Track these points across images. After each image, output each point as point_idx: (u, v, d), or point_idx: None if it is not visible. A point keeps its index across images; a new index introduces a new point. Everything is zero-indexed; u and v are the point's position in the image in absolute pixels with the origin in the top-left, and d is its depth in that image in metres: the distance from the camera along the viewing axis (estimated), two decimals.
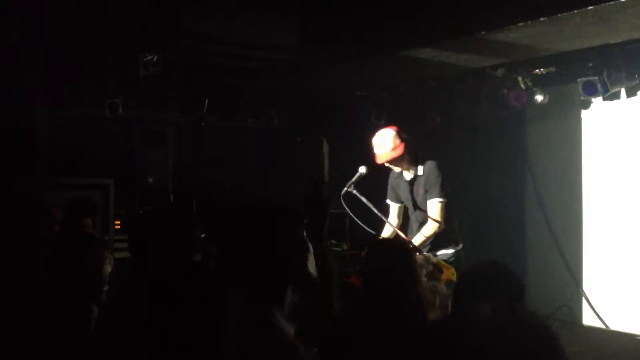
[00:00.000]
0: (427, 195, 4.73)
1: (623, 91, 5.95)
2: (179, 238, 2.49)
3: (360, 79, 6.98)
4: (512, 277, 2.15)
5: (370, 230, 4.70)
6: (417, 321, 2.45)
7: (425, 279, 4.27)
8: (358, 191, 4.57)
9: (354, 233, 4.80)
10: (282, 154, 7.85)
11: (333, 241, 6.81)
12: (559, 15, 4.42)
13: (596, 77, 5.75)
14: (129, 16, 4.89)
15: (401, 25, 5.17)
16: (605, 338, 6.53)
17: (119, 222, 6.89)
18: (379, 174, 4.94)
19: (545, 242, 7.30)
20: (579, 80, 5.89)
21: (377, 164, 4.79)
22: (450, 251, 4.79)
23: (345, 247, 7.12)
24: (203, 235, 2.60)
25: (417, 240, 4.67)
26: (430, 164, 4.75)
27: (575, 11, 4.32)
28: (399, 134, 4.70)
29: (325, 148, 7.63)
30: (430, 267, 4.36)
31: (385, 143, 4.69)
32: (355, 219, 4.58)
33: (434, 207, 4.70)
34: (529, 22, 4.59)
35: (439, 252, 4.72)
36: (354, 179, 4.59)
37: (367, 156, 4.88)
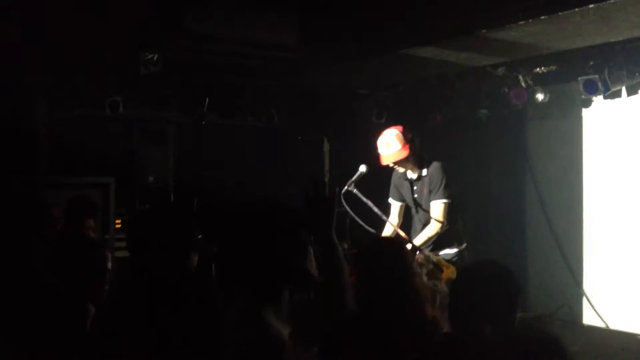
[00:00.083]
0: (431, 195, 4.75)
1: (624, 90, 5.95)
2: (178, 237, 2.49)
3: (360, 78, 6.98)
4: (511, 277, 2.14)
5: (370, 229, 4.70)
6: (416, 318, 2.45)
7: (425, 277, 4.28)
8: (358, 190, 4.57)
9: (355, 232, 4.80)
10: (282, 153, 7.85)
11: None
12: (559, 13, 4.42)
13: (597, 76, 5.75)
14: (129, 16, 4.89)
15: (401, 24, 5.17)
16: (606, 337, 6.53)
17: (119, 221, 6.88)
18: (380, 173, 4.94)
19: (546, 241, 7.30)
20: (579, 78, 5.89)
21: (381, 164, 4.80)
22: (454, 250, 4.80)
23: (345, 246, 7.12)
24: (200, 236, 2.59)
25: (419, 240, 4.68)
26: (435, 164, 4.76)
27: (576, 9, 4.32)
28: (404, 134, 4.70)
29: (326, 147, 7.63)
30: (431, 266, 4.37)
31: (391, 144, 4.70)
32: (356, 217, 4.58)
33: (438, 207, 4.71)
34: (530, 20, 4.59)
35: (443, 252, 4.74)
36: (354, 177, 4.59)
37: (368, 155, 4.88)
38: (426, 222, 4.80)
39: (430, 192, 4.76)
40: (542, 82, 6.53)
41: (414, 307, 2.51)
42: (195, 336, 1.69)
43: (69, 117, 6.43)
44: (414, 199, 4.90)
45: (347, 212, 4.57)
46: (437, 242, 4.76)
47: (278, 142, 7.87)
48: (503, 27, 4.79)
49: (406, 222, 5.06)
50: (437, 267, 4.36)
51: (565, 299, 7.09)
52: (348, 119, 7.74)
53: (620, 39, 5.23)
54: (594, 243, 6.99)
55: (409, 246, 4.51)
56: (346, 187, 4.55)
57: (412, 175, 4.87)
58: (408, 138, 4.70)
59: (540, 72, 6.43)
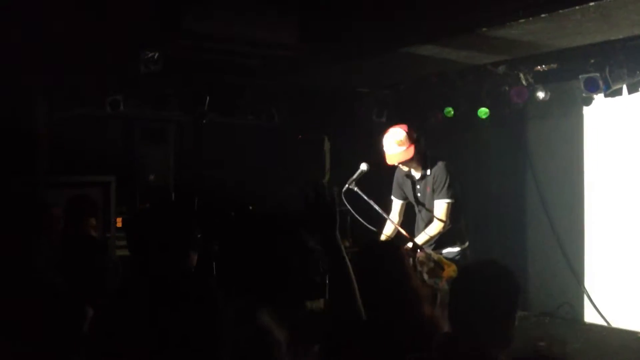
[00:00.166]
0: (435, 195, 4.75)
1: (625, 88, 5.94)
2: (178, 237, 2.49)
3: (361, 76, 6.98)
4: (511, 277, 2.14)
5: (371, 227, 4.70)
6: (415, 319, 2.45)
7: (426, 276, 4.28)
8: (359, 188, 4.58)
9: (356, 230, 4.80)
10: (282, 152, 7.84)
11: None
12: (560, 11, 4.41)
13: (598, 74, 5.74)
14: (129, 16, 4.89)
15: (401, 23, 5.16)
16: (607, 335, 6.53)
17: (120, 220, 6.89)
18: (380, 171, 4.94)
19: (547, 239, 7.30)
20: (580, 76, 5.88)
21: (387, 164, 4.80)
22: (457, 249, 4.82)
23: (347, 244, 7.12)
24: (200, 235, 2.59)
25: (420, 238, 4.69)
26: (440, 164, 4.76)
27: (577, 7, 4.31)
28: (410, 134, 4.70)
29: (326, 146, 7.62)
30: (432, 265, 4.37)
31: (397, 144, 4.70)
32: (357, 216, 4.58)
33: (441, 207, 4.72)
34: (530, 18, 4.58)
35: (445, 250, 4.75)
36: (355, 176, 4.59)
37: (368, 153, 4.88)
38: (429, 221, 4.80)
39: (433, 191, 4.77)
40: (542, 80, 6.52)
41: (413, 308, 2.52)
42: (194, 335, 1.70)
43: (69, 117, 6.43)
44: (417, 198, 4.91)
45: (348, 210, 4.57)
46: (440, 240, 4.77)
47: (278, 141, 7.86)
48: (503, 25, 4.78)
49: (409, 220, 5.07)
50: (438, 266, 4.36)
51: (567, 297, 7.09)
52: (348, 118, 7.74)
53: (621, 37, 5.23)
54: (595, 241, 6.99)
55: (410, 244, 4.52)
56: (347, 186, 4.56)
57: (415, 174, 4.87)
58: (414, 138, 4.71)
59: (541, 70, 6.42)
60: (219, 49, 5.67)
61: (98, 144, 6.80)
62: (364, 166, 4.61)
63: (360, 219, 4.62)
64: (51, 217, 3.00)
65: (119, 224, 6.81)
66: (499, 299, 2.09)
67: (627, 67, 5.72)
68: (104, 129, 7.09)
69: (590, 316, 7.00)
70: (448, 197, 4.71)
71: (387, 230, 4.87)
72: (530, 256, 7.43)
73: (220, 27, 5.25)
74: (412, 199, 4.97)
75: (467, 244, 4.89)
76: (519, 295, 2.12)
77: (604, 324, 6.82)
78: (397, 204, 5.07)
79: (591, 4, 4.22)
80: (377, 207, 4.63)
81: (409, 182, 4.95)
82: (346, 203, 4.50)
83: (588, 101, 6.34)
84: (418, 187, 4.89)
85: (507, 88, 6.62)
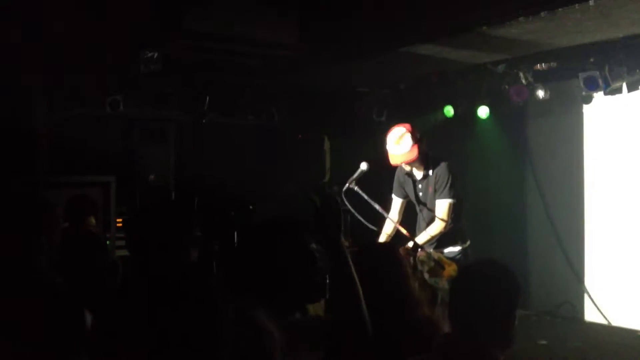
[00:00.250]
0: (436, 194, 4.75)
1: (624, 86, 5.94)
2: (178, 236, 2.49)
3: (361, 76, 6.98)
4: (511, 277, 2.14)
5: (371, 226, 4.70)
6: (413, 320, 2.45)
7: (427, 275, 4.29)
8: (359, 188, 4.58)
9: (356, 230, 4.80)
10: (283, 152, 7.85)
11: None
12: (559, 10, 4.41)
13: (597, 72, 5.74)
14: (129, 16, 4.89)
15: (401, 22, 5.16)
16: (607, 334, 6.53)
17: (120, 220, 6.89)
18: (380, 170, 4.94)
19: (547, 238, 7.30)
20: (580, 75, 5.88)
21: (391, 164, 4.80)
22: (458, 248, 4.81)
23: (347, 243, 7.11)
24: (200, 234, 2.59)
25: (421, 238, 4.68)
26: (442, 164, 4.76)
27: (576, 6, 4.31)
28: (413, 134, 4.69)
29: (327, 145, 7.63)
30: (432, 264, 4.37)
31: (401, 144, 4.69)
32: (357, 215, 4.58)
33: (442, 207, 4.71)
34: (530, 17, 4.58)
35: (447, 249, 4.75)
36: (355, 175, 4.59)
37: (369, 153, 4.88)
38: (430, 221, 4.80)
39: (435, 190, 4.77)
40: (542, 79, 6.52)
41: (412, 309, 2.52)
42: (194, 334, 1.69)
43: (69, 117, 6.44)
44: (418, 197, 4.91)
45: (348, 209, 4.57)
46: (441, 240, 4.77)
47: (278, 141, 7.87)
48: (503, 24, 4.78)
49: (411, 219, 5.07)
50: (438, 265, 4.37)
51: (567, 296, 7.09)
52: (348, 118, 7.74)
53: (621, 35, 5.23)
54: (595, 240, 6.99)
55: (410, 244, 4.52)
56: (347, 185, 4.56)
57: (417, 173, 4.87)
58: (417, 138, 4.71)
59: (540, 69, 6.42)
60: (219, 49, 5.67)
61: (98, 144, 6.81)
62: (364, 166, 4.61)
63: (361, 218, 4.62)
64: (52, 216, 2.99)
65: (119, 224, 6.81)
66: (499, 298, 2.08)
67: (627, 65, 5.73)
68: (104, 129, 7.09)
69: (590, 315, 7.00)
70: (450, 197, 4.71)
71: (388, 229, 4.87)
72: (531, 255, 7.42)
73: (220, 27, 5.25)
74: (413, 198, 4.97)
75: (468, 243, 4.88)
76: (520, 295, 2.11)
77: (605, 322, 6.82)
78: (397, 202, 5.07)
79: (591, 3, 4.22)
80: (377, 206, 4.63)
81: (410, 181, 4.95)
82: (346, 202, 4.50)
83: (588, 100, 6.34)
84: (419, 186, 4.89)
85: (507, 87, 6.62)
